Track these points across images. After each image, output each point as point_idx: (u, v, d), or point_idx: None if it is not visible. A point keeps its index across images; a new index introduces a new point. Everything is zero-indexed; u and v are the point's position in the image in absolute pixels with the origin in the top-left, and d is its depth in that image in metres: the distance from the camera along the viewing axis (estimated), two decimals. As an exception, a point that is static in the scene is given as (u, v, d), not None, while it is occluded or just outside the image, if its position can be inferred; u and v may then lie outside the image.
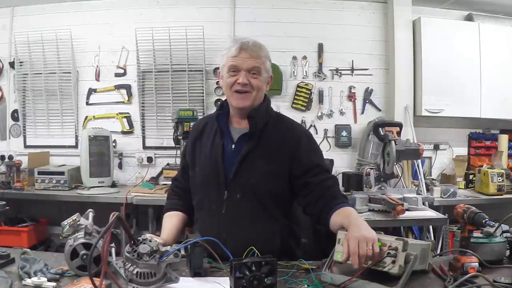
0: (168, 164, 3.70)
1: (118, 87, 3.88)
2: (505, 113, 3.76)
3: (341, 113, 3.89)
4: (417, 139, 3.57)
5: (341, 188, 2.97)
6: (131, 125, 3.88)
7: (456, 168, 3.85)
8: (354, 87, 3.88)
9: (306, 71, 3.85)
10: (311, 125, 3.86)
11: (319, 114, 3.87)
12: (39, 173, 3.41)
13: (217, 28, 3.77)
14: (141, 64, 3.82)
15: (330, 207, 1.46)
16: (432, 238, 3.19)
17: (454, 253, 1.37)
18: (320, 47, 3.85)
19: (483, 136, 4.00)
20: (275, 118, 1.66)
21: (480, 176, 3.44)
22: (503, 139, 3.85)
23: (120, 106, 3.89)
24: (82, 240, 1.27)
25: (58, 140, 3.91)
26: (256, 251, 1.29)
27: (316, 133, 3.82)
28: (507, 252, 1.47)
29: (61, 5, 3.84)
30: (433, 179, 3.64)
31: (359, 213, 2.19)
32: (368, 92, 3.89)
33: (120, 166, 3.85)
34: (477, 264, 1.27)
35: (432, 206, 3.02)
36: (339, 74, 3.87)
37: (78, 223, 1.33)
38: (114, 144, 3.72)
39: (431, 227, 3.19)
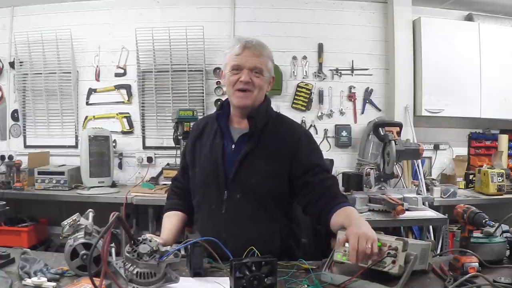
0: (168, 164, 3.70)
1: (118, 87, 3.88)
2: (505, 113, 3.76)
3: (341, 113, 3.89)
4: (417, 139, 3.57)
5: (341, 188, 2.97)
6: (131, 125, 3.88)
7: (456, 168, 3.85)
8: (354, 87, 3.88)
9: (306, 71, 3.85)
10: (311, 125, 3.86)
11: (319, 114, 3.87)
12: (39, 173, 3.41)
13: (217, 28, 3.77)
14: (141, 64, 3.82)
15: (330, 207, 1.46)
16: (432, 238, 3.19)
17: (454, 253, 1.37)
18: (320, 47, 3.85)
19: (483, 136, 4.00)
20: (275, 118, 1.66)
21: (480, 176, 3.44)
22: (503, 139, 3.85)
23: (120, 106, 3.89)
24: (82, 240, 1.27)
25: (58, 140, 3.91)
26: (256, 251, 1.29)
27: (316, 133, 3.82)
28: (507, 252, 1.47)
29: (61, 5, 3.84)
30: (433, 179, 3.64)
31: (359, 213, 2.18)
32: (368, 92, 3.89)
33: (120, 166, 3.85)
34: (477, 264, 1.27)
35: (432, 206, 3.02)
36: (339, 74, 3.87)
37: (78, 223, 1.33)
38: (114, 144, 3.72)
39: (431, 227, 3.19)
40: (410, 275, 1.19)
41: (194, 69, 3.80)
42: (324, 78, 3.87)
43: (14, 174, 3.36)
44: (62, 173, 3.39)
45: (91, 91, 3.89)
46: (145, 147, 3.90)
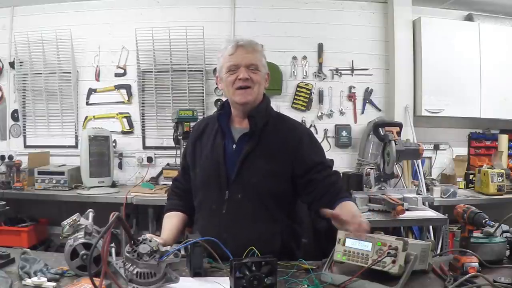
0: (168, 164, 3.70)
1: (118, 87, 3.88)
2: (505, 113, 3.76)
3: (341, 113, 3.89)
4: (417, 139, 3.57)
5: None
6: (131, 125, 3.88)
7: (456, 168, 3.84)
8: (354, 87, 3.88)
9: (306, 71, 3.85)
10: (311, 125, 3.85)
11: (319, 114, 3.87)
12: (39, 173, 3.41)
13: (217, 28, 3.76)
14: (141, 64, 3.81)
15: (333, 202, 1.46)
16: (432, 238, 3.19)
17: (454, 253, 1.37)
18: (320, 47, 3.85)
19: (483, 136, 4.00)
20: (275, 118, 1.66)
21: (480, 176, 3.44)
22: (503, 139, 3.85)
23: (120, 106, 3.89)
24: (82, 240, 1.27)
25: (58, 140, 3.91)
26: (256, 251, 1.29)
27: (316, 133, 3.81)
28: (507, 252, 1.47)
29: (61, 5, 3.84)
30: (433, 179, 3.64)
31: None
32: (368, 92, 3.88)
33: (120, 166, 3.85)
34: (477, 264, 1.27)
35: (432, 206, 3.02)
36: (339, 74, 3.87)
37: (78, 223, 1.33)
38: (114, 144, 3.72)
39: (431, 227, 3.18)
40: (410, 275, 1.19)
41: (194, 69, 3.79)
42: (324, 78, 3.87)
43: (14, 174, 3.36)
44: (62, 173, 3.39)
45: (91, 91, 3.89)
46: (145, 147, 3.89)
